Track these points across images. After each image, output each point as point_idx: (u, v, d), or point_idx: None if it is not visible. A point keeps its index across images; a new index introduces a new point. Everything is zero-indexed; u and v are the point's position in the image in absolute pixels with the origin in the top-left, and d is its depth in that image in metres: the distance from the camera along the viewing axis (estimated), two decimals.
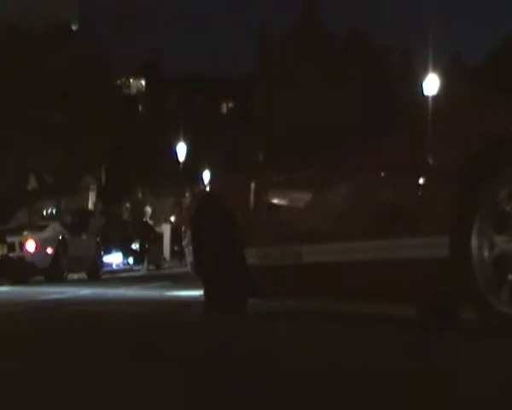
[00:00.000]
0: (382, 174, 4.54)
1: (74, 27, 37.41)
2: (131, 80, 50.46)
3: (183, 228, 6.59)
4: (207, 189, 7.11)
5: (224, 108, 60.56)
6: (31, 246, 16.73)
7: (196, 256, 6.10)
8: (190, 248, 6.20)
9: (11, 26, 28.48)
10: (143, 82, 55.14)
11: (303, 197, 5.36)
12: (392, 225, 4.38)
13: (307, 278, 5.08)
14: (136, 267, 28.41)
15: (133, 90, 52.15)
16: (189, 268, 6.46)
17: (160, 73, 56.37)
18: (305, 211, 5.26)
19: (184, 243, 6.57)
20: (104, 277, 19.81)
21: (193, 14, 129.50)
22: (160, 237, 34.76)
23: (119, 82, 40.01)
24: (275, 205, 5.57)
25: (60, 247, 17.39)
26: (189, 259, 6.35)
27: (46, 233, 17.57)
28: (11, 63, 27.11)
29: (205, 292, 5.94)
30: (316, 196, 5.22)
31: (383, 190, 4.56)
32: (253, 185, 5.65)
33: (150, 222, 39.86)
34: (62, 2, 45.15)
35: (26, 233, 17.18)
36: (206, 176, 49.06)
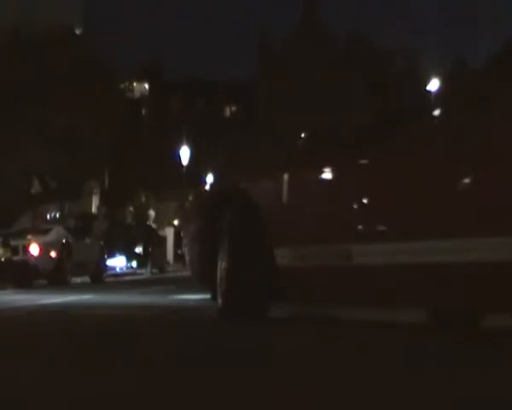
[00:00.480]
0: (469, 162, 3.98)
1: (78, 31, 37.46)
2: (135, 84, 50.54)
3: (182, 227, 6.15)
4: (224, 183, 6.16)
5: (228, 112, 60.58)
6: (34, 250, 16.75)
7: (204, 257, 5.56)
8: (196, 248, 5.70)
9: (13, 29, 28.54)
10: (147, 86, 55.17)
11: (357, 187, 4.61)
12: (480, 223, 3.83)
13: (358, 281, 4.46)
14: (139, 271, 28.42)
15: (136, 94, 52.20)
16: (189, 269, 6.04)
17: (163, 76, 56.39)
18: (360, 203, 4.58)
19: (185, 242, 6.11)
20: (107, 280, 19.82)
21: (196, 18, 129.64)
22: (164, 240, 34.77)
23: (122, 86, 40.11)
24: (317, 197, 4.89)
25: (63, 251, 17.40)
26: (190, 259, 5.90)
27: (50, 237, 17.59)
28: (13, 66, 27.16)
29: (220, 296, 5.30)
30: (376, 186, 4.48)
31: (471, 180, 3.96)
32: (286, 176, 4.96)
33: (153, 226, 39.86)
34: (66, 7, 45.22)
35: (29, 237, 17.20)
36: (210, 178, 49.02)
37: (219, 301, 5.32)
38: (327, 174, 4.92)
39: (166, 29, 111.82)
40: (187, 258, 6.11)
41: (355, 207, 4.61)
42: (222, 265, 5.27)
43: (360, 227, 4.53)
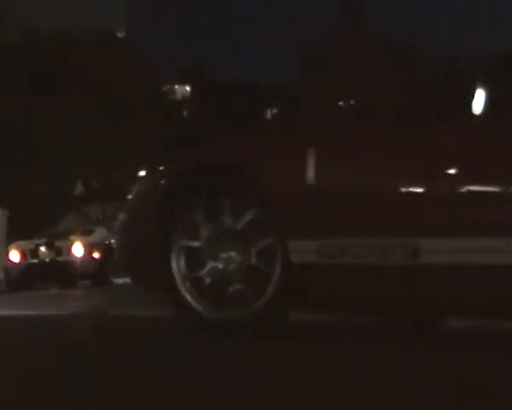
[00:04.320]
0: None
1: (120, 34, 37.84)
2: (177, 86, 50.86)
3: (126, 214, 4.56)
4: (210, 157, 4.41)
5: (269, 114, 60.64)
6: (78, 250, 16.95)
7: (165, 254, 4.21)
8: (154, 243, 4.26)
9: (59, 30, 28.91)
10: (188, 88, 55.47)
11: (425, 162, 3.72)
12: None
13: (426, 285, 3.67)
14: None
15: (178, 96, 52.48)
16: (127, 264, 4.62)
17: (205, 78, 56.64)
18: (429, 185, 3.73)
19: (133, 235, 4.49)
20: None
21: (239, 19, 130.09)
22: None
23: (164, 88, 40.40)
24: (363, 176, 3.93)
25: (107, 252, 17.57)
26: (144, 258, 4.39)
27: (93, 238, 17.79)
28: (55, 69, 27.50)
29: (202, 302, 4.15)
30: (451, 160, 3.66)
31: None
32: (312, 151, 3.95)
33: None
34: (109, 10, 45.69)
35: (73, 237, 17.41)
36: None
37: (198, 307, 4.17)
38: (382, 145, 3.95)
39: (209, 31, 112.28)
40: (125, 250, 4.67)
41: (425, 188, 3.77)
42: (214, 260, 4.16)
43: (433, 216, 3.65)
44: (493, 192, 3.60)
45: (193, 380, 2.86)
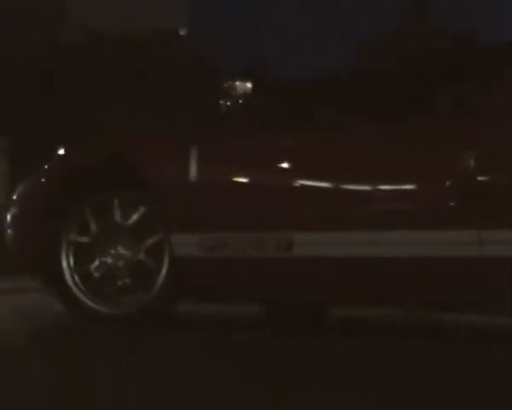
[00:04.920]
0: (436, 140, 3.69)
1: (182, 32, 38.15)
2: (237, 83, 51.21)
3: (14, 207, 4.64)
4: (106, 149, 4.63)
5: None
6: None
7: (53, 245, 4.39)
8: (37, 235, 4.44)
9: (120, 34, 29.25)
10: (249, 85, 55.73)
11: (294, 162, 4.01)
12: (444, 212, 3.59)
13: (298, 277, 3.90)
14: None
15: (240, 92, 52.70)
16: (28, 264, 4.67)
17: (267, 75, 56.75)
18: (300, 183, 4.01)
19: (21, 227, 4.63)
20: None
21: (297, 18, 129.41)
22: None
23: (225, 85, 40.72)
24: (241, 173, 4.17)
25: None
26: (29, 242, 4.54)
27: None
28: (117, 70, 27.85)
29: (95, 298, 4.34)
30: (320, 161, 3.97)
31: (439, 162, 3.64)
32: (194, 149, 4.21)
33: None
34: (171, 7, 46.12)
35: None
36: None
37: (88, 303, 4.36)
38: (253, 146, 4.23)
39: (270, 30, 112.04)
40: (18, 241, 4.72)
41: (296, 186, 4.04)
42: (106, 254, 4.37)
43: (305, 212, 3.93)
44: (360, 190, 3.83)
45: None
